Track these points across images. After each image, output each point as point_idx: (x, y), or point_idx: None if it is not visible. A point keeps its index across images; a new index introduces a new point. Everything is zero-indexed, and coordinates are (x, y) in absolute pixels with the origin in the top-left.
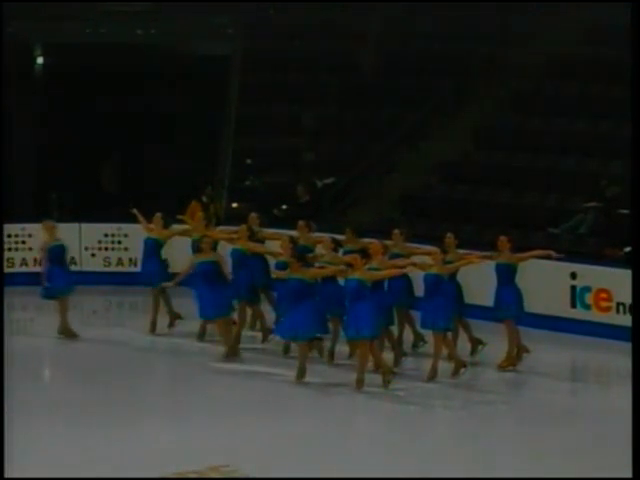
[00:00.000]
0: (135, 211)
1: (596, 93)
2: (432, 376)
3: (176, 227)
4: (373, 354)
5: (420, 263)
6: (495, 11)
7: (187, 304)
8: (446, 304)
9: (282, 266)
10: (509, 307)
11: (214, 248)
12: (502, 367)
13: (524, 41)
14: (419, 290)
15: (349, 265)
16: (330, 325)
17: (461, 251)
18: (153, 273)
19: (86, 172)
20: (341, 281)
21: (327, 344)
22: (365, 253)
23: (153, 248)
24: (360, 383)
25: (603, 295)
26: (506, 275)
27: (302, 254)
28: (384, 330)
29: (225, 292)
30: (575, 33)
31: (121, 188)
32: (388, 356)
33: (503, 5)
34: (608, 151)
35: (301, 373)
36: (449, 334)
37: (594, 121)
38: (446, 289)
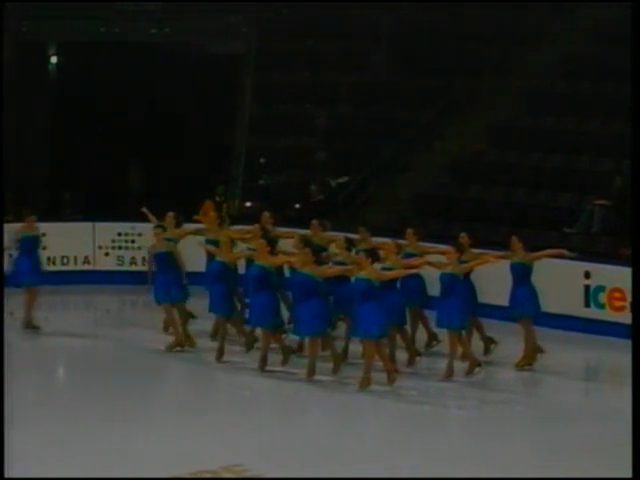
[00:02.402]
0: (145, 210)
1: (609, 93)
2: (448, 375)
3: (189, 226)
4: (380, 354)
5: (435, 262)
6: (509, 10)
7: (200, 303)
8: (462, 303)
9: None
10: (525, 306)
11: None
12: (519, 366)
13: (538, 41)
14: (432, 289)
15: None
16: (344, 324)
17: (476, 250)
18: None
19: (100, 171)
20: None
21: (341, 343)
22: (374, 253)
23: None
24: (365, 382)
25: (617, 294)
26: (521, 274)
27: (317, 252)
28: (398, 329)
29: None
30: (588, 33)
31: (135, 187)
32: (402, 356)
33: (517, 4)
34: (621, 150)
35: (311, 370)
36: (464, 333)
37: (607, 120)
38: (462, 288)
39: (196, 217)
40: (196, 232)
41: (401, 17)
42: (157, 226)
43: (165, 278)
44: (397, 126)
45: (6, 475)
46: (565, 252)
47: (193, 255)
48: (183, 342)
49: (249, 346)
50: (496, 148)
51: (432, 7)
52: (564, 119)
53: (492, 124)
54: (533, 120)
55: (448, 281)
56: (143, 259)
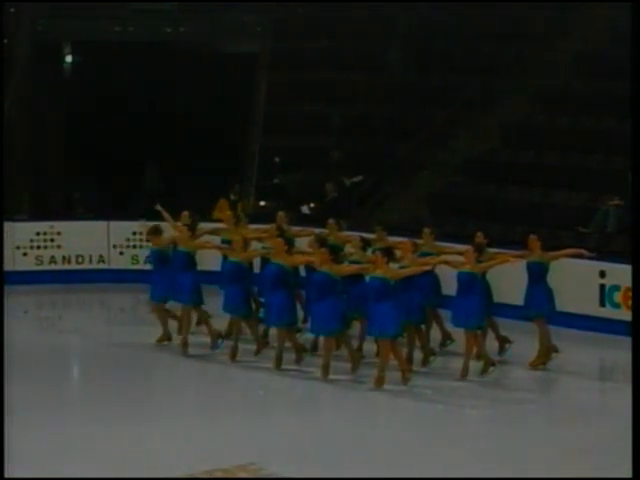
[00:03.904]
0: (160, 208)
1: (625, 91)
2: (464, 374)
3: (205, 226)
4: (395, 353)
5: (452, 261)
6: (524, 9)
7: (215, 303)
8: (479, 302)
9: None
10: (540, 306)
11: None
12: (533, 365)
13: (553, 39)
14: (447, 288)
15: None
16: (358, 324)
17: (491, 250)
18: None
19: (115, 170)
20: (368, 279)
21: (356, 342)
22: (390, 252)
23: None
24: (380, 381)
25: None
26: (537, 274)
27: (334, 251)
28: (414, 329)
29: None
30: (603, 32)
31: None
32: (417, 355)
33: (532, 3)
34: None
35: (325, 370)
36: (479, 333)
37: (623, 119)
38: (479, 288)
39: (215, 215)
40: (213, 232)
41: (416, 16)
42: (183, 225)
43: (183, 278)
44: (412, 125)
45: (6, 475)
46: (584, 252)
47: (208, 254)
48: (169, 338)
49: (259, 349)
50: (511, 147)
51: (447, 6)
52: (579, 118)
53: (507, 123)
54: (548, 119)
55: (466, 280)
56: None
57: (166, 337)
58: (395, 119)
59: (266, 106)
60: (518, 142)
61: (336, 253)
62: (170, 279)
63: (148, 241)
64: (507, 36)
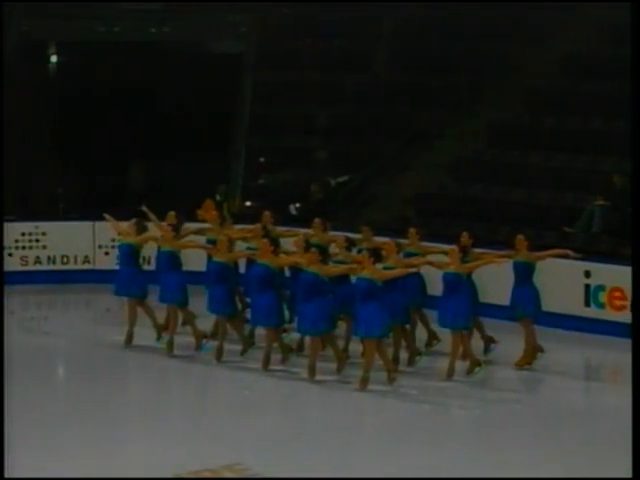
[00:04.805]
0: (145, 208)
1: (611, 92)
2: (450, 374)
3: (190, 226)
4: (380, 353)
5: (437, 262)
6: (511, 10)
7: (200, 303)
8: (465, 303)
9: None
10: (526, 306)
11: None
12: (519, 365)
13: (539, 40)
14: (432, 289)
15: (360, 264)
16: (344, 324)
17: (477, 250)
18: None
19: (99, 170)
20: (354, 280)
21: (341, 342)
22: (376, 252)
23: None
24: (365, 382)
25: (617, 294)
26: (524, 274)
27: (322, 251)
28: (400, 329)
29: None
30: (591, 32)
31: (135, 187)
32: (403, 355)
33: (519, 4)
34: (623, 150)
35: (312, 371)
36: (465, 333)
37: (609, 120)
38: (465, 288)
39: (200, 215)
40: (198, 232)
41: (403, 16)
42: (169, 224)
43: (168, 278)
44: (398, 125)
45: (6, 475)
46: (570, 252)
47: (194, 254)
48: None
49: (245, 349)
50: (497, 147)
51: (434, 6)
52: (566, 118)
53: (493, 123)
54: (535, 119)
55: (452, 281)
56: (143, 258)
57: (130, 338)
58: (381, 119)
59: (251, 106)
60: (504, 142)
61: (324, 253)
62: (137, 276)
63: None
64: (493, 36)
